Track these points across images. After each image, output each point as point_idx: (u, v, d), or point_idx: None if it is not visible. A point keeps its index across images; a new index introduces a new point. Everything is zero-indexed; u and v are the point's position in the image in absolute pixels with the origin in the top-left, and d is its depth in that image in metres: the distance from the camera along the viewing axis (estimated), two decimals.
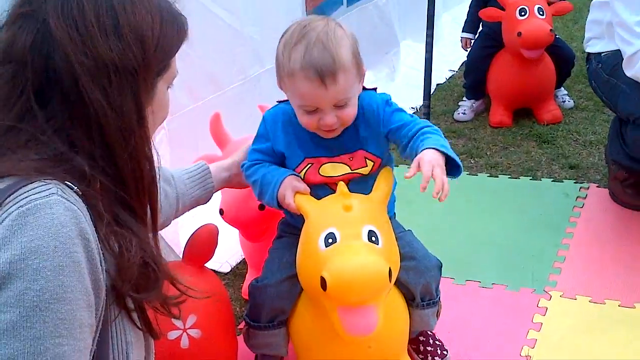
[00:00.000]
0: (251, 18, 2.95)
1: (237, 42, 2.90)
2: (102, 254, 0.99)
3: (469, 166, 3.14)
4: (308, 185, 1.67)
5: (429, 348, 1.92)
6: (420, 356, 1.93)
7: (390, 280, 1.48)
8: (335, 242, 1.52)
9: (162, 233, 2.35)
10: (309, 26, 1.53)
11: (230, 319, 1.81)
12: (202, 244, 1.74)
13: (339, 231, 1.53)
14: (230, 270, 2.46)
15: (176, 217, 1.71)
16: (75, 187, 0.98)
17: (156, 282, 1.08)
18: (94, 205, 0.99)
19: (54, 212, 0.92)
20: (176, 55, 1.14)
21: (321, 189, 1.67)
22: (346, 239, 1.52)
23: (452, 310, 2.10)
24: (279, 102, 1.71)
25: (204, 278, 1.76)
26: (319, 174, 1.67)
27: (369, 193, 1.65)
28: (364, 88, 1.66)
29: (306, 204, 1.63)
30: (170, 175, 1.66)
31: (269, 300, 1.74)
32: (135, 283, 1.04)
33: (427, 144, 1.52)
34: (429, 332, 1.94)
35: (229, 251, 2.31)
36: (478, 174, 3.06)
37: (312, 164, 1.67)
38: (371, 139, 1.66)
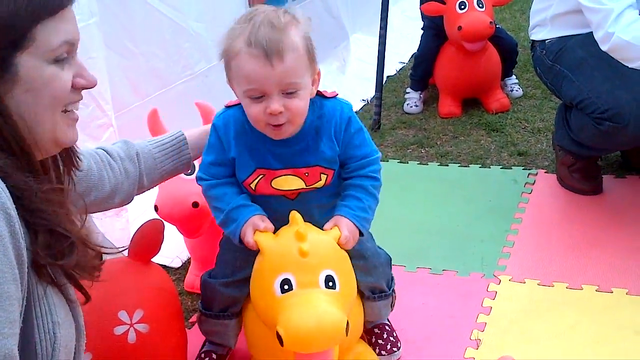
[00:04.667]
0: (195, 14, 2.95)
1: (182, 38, 2.89)
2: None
3: (420, 156, 3.18)
4: (259, 197, 1.65)
5: (380, 341, 1.93)
6: (371, 347, 1.95)
7: (347, 333, 1.46)
8: (292, 288, 1.49)
9: (106, 229, 2.36)
10: (257, 11, 1.49)
11: (178, 313, 1.82)
12: (148, 240, 1.74)
13: (295, 277, 1.50)
14: (182, 265, 2.46)
15: (142, 192, 1.72)
16: None
17: (71, 247, 1.07)
18: (13, 179, 0.99)
19: None
20: (52, 25, 1.05)
21: (273, 197, 1.65)
22: (302, 286, 1.49)
23: (403, 297, 2.12)
24: (228, 106, 1.66)
25: (150, 273, 1.78)
26: (271, 186, 1.63)
27: (320, 201, 1.65)
28: (324, 96, 1.62)
29: (262, 240, 1.57)
30: (135, 152, 1.65)
31: (221, 296, 1.78)
32: (51, 251, 1.05)
33: (348, 211, 1.61)
34: (385, 326, 1.96)
35: (180, 246, 2.31)
36: (429, 163, 3.11)
37: (264, 175, 1.62)
38: (328, 150, 1.61)
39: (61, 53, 1.06)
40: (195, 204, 1.87)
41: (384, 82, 3.71)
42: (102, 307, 1.62)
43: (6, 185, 0.97)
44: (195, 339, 1.92)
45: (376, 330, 1.95)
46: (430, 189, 2.88)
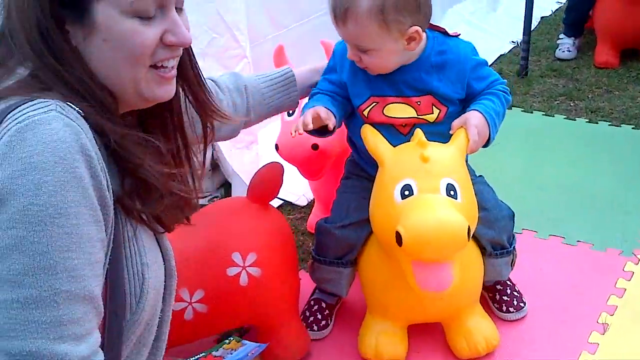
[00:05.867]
0: None
1: None
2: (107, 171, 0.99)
3: (568, 109, 2.97)
4: (372, 125, 1.64)
5: (505, 297, 1.89)
6: (496, 305, 1.89)
7: (468, 239, 1.44)
8: (412, 194, 1.48)
9: (236, 160, 2.37)
10: None
11: (292, 258, 1.80)
12: (267, 182, 1.73)
13: (416, 183, 1.49)
14: (307, 204, 2.46)
15: (250, 126, 1.71)
16: (77, 108, 0.96)
17: (158, 195, 1.07)
18: (96, 123, 0.98)
19: (53, 128, 0.91)
20: None
21: (385, 129, 1.63)
22: (424, 191, 1.48)
23: (531, 265, 2.03)
24: None
25: (267, 216, 1.76)
26: (383, 113, 1.64)
27: (433, 139, 1.58)
28: (446, 33, 1.62)
29: (382, 149, 1.58)
30: (244, 85, 1.64)
31: (336, 242, 1.76)
32: (138, 197, 1.05)
33: (481, 106, 1.59)
34: (507, 282, 1.90)
35: (306, 185, 2.29)
36: (576, 118, 2.90)
37: (377, 102, 1.63)
38: (443, 87, 1.61)
39: (141, 8, 1.00)
40: (315, 146, 1.84)
41: (537, 23, 3.47)
42: (217, 246, 1.65)
43: (90, 127, 0.97)
44: (308, 283, 1.91)
45: (498, 286, 1.90)
46: (575, 148, 2.69)
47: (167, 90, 1.10)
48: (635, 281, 1.98)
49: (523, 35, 3.33)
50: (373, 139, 1.60)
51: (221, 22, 2.38)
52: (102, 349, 0.99)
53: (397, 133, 1.64)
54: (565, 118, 2.90)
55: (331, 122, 1.59)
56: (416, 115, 1.62)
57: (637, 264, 2.04)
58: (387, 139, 1.61)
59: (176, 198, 1.11)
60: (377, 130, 1.63)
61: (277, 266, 1.72)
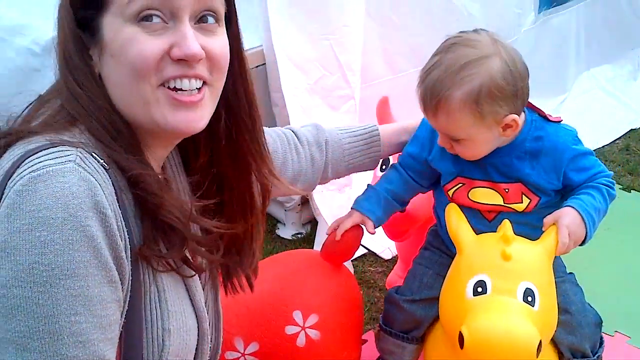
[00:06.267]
0: None
1: (452, 16, 2.71)
2: (126, 229, 0.94)
3: None
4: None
5: None
6: None
7: (537, 355, 1.33)
8: (485, 292, 1.39)
9: (325, 203, 2.32)
10: (461, 43, 1.43)
11: (356, 326, 1.73)
12: (343, 243, 1.66)
13: (492, 281, 1.40)
14: (391, 258, 2.39)
15: (325, 182, 1.65)
16: (102, 160, 0.93)
17: (183, 240, 1.01)
18: (117, 180, 0.94)
19: (67, 181, 0.86)
20: None
21: (469, 212, 1.55)
22: (498, 292, 1.38)
23: None
24: None
25: (338, 277, 1.70)
26: (468, 196, 1.56)
27: (520, 229, 1.48)
28: (547, 118, 1.52)
29: (463, 236, 1.49)
30: (325, 139, 1.57)
31: (404, 316, 1.69)
32: (160, 242, 1.00)
33: (577, 202, 1.47)
34: None
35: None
36: None
37: (464, 184, 1.56)
38: (536, 176, 1.50)
39: (141, 9, 0.93)
40: (402, 209, 1.75)
41: None
42: (279, 301, 1.61)
43: (112, 173, 0.93)
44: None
45: None
46: None
47: (186, 117, 0.99)
48: None
49: None
50: (456, 223, 1.51)
51: (334, 60, 2.36)
52: None
53: (481, 217, 1.56)
54: None
55: (368, 226, 1.61)
56: (503, 203, 1.53)
57: None
58: (470, 221, 1.52)
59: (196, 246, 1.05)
60: (465, 212, 1.54)
61: (338, 332, 1.65)
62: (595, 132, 3.30)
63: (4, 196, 0.88)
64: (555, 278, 1.55)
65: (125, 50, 0.93)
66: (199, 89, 1.00)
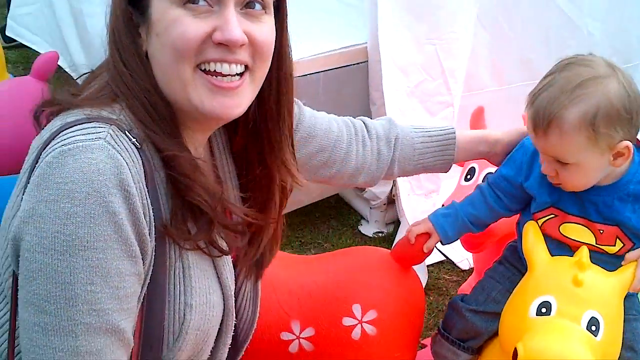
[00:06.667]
0: (595, 11, 2.65)
1: (570, 34, 2.65)
2: (153, 209, 0.98)
3: None
4: (544, 236, 1.52)
5: None
6: None
7: None
8: (549, 314, 1.38)
9: (410, 206, 2.35)
10: (576, 62, 1.37)
11: (415, 328, 1.75)
12: (415, 247, 1.68)
13: (558, 304, 1.39)
14: (469, 269, 2.38)
15: (392, 178, 1.65)
16: (135, 139, 0.96)
17: (210, 224, 1.05)
18: (150, 159, 0.98)
19: (94, 158, 0.91)
20: None
21: (555, 245, 1.52)
22: (561, 315, 1.37)
23: None
24: None
25: (404, 280, 1.73)
26: (559, 230, 1.51)
27: (604, 268, 1.45)
28: None
29: (537, 254, 1.48)
30: (395, 135, 1.56)
31: (464, 324, 1.69)
32: (191, 220, 1.03)
33: None
34: None
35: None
36: None
37: (556, 215, 1.51)
38: (636, 220, 1.45)
39: None
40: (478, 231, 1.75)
41: None
42: (341, 292, 1.65)
43: (146, 152, 0.97)
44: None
45: None
46: None
47: (223, 103, 1.01)
48: None
49: None
50: (532, 241, 1.50)
51: (438, 65, 2.37)
52: None
53: (568, 251, 1.51)
54: None
55: (433, 240, 1.63)
56: (594, 244, 1.48)
57: None
58: (554, 253, 1.50)
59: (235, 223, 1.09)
60: (549, 242, 1.51)
61: (395, 331, 1.68)
62: None
63: (37, 165, 0.94)
64: (629, 315, 1.52)
65: (169, 31, 0.96)
66: (240, 75, 1.01)
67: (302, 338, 1.64)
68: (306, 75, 2.13)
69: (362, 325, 1.63)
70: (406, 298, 1.71)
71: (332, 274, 1.69)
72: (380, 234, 2.58)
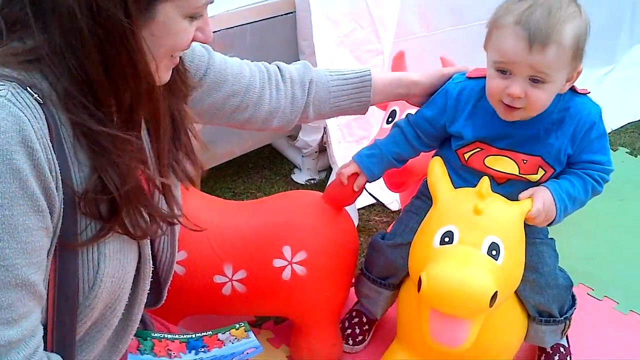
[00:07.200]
0: None
1: None
2: (60, 164, 1.00)
3: None
4: (467, 169, 1.63)
5: None
6: None
7: (491, 305, 1.42)
8: (452, 242, 1.49)
9: (342, 154, 2.41)
10: None
11: (346, 270, 1.84)
12: (346, 188, 1.76)
13: (459, 233, 1.49)
14: (399, 210, 2.47)
15: (308, 121, 1.69)
16: (36, 95, 0.98)
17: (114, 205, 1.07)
18: (54, 114, 1.00)
19: None
20: None
21: (478, 175, 1.61)
22: (463, 243, 1.47)
23: (598, 337, 2.00)
24: (469, 77, 1.64)
25: (335, 221, 1.81)
26: (484, 162, 1.61)
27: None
28: (575, 91, 1.56)
29: (440, 188, 1.59)
30: (310, 79, 1.60)
31: (384, 258, 1.79)
32: (97, 194, 1.05)
33: (554, 186, 1.55)
34: (560, 348, 1.88)
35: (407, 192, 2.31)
36: None
37: (482, 149, 1.61)
38: (557, 148, 1.56)
39: (200, 11, 1.07)
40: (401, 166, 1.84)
41: None
42: (271, 234, 1.73)
43: (49, 107, 0.99)
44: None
45: (548, 349, 1.89)
46: None
47: (170, 75, 1.14)
48: None
49: None
50: (437, 175, 1.60)
51: (367, 14, 2.43)
52: (52, 328, 1.06)
53: (491, 180, 1.60)
54: None
55: (360, 180, 1.72)
56: (518, 173, 1.60)
57: None
58: (476, 182, 1.58)
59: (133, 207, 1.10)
60: (471, 173, 1.63)
61: (325, 271, 1.76)
62: (635, 105, 3.35)
63: None
64: (535, 239, 1.65)
65: (175, 38, 1.06)
66: None
67: (235, 280, 1.72)
68: (232, 27, 2.15)
69: (292, 266, 1.72)
70: (337, 239, 1.79)
71: (264, 217, 1.77)
72: (312, 181, 2.66)
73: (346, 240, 1.82)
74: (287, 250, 1.72)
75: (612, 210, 2.54)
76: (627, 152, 2.95)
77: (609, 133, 2.95)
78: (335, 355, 1.89)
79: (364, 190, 1.86)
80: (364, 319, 1.95)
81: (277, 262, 1.72)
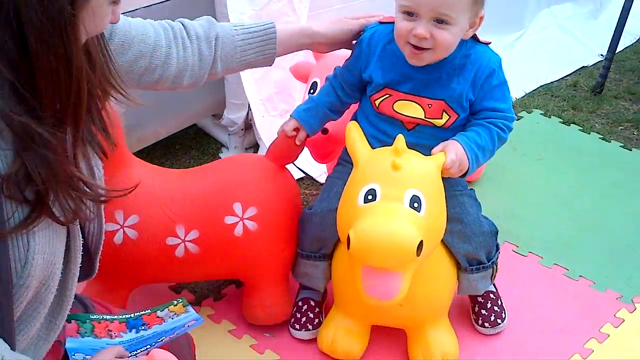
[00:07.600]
0: None
1: None
2: None
3: (629, 137, 2.99)
4: (379, 115, 1.72)
5: (483, 311, 1.99)
6: (473, 316, 2.01)
7: (418, 254, 1.49)
8: (375, 199, 1.55)
9: (269, 127, 2.43)
10: None
11: (295, 222, 1.90)
12: (288, 146, 1.83)
13: (381, 189, 1.55)
14: None
15: (217, 77, 1.69)
16: None
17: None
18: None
19: None
20: None
21: (390, 121, 1.72)
22: (386, 199, 1.54)
23: (524, 288, 2.13)
24: (380, 22, 1.74)
25: (280, 178, 1.88)
26: (393, 108, 1.71)
27: (435, 142, 1.65)
28: (477, 39, 1.68)
29: (358, 150, 1.66)
30: (215, 35, 1.62)
31: (313, 229, 1.86)
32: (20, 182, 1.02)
33: (463, 139, 1.63)
34: (490, 296, 2.00)
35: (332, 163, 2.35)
36: (633, 149, 2.89)
37: (390, 95, 1.71)
38: (461, 89, 1.66)
39: None
40: (325, 130, 1.94)
41: (634, 40, 3.39)
42: (221, 193, 1.79)
43: None
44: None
45: (479, 299, 2.00)
46: (619, 180, 2.69)
47: None
48: (621, 330, 2.03)
49: (608, 50, 3.25)
50: (354, 138, 1.68)
51: None
52: None
53: (401, 126, 1.72)
54: (621, 146, 2.90)
55: (301, 135, 1.80)
56: (423, 117, 1.70)
57: (631, 312, 2.09)
58: (389, 130, 1.70)
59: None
60: (384, 121, 1.72)
61: (275, 226, 1.83)
62: (546, 68, 3.51)
63: None
64: (455, 191, 1.77)
65: (99, 21, 1.05)
66: None
67: (187, 241, 1.77)
68: (151, 5, 2.16)
69: (243, 222, 1.79)
70: (283, 195, 1.87)
71: (212, 178, 1.83)
72: None
73: (292, 195, 1.91)
74: (237, 207, 1.77)
75: (531, 169, 2.72)
76: (541, 114, 3.11)
77: (523, 97, 3.21)
78: (288, 309, 1.95)
79: (292, 164, 1.94)
80: (312, 303, 1.97)
81: (229, 219, 1.77)
